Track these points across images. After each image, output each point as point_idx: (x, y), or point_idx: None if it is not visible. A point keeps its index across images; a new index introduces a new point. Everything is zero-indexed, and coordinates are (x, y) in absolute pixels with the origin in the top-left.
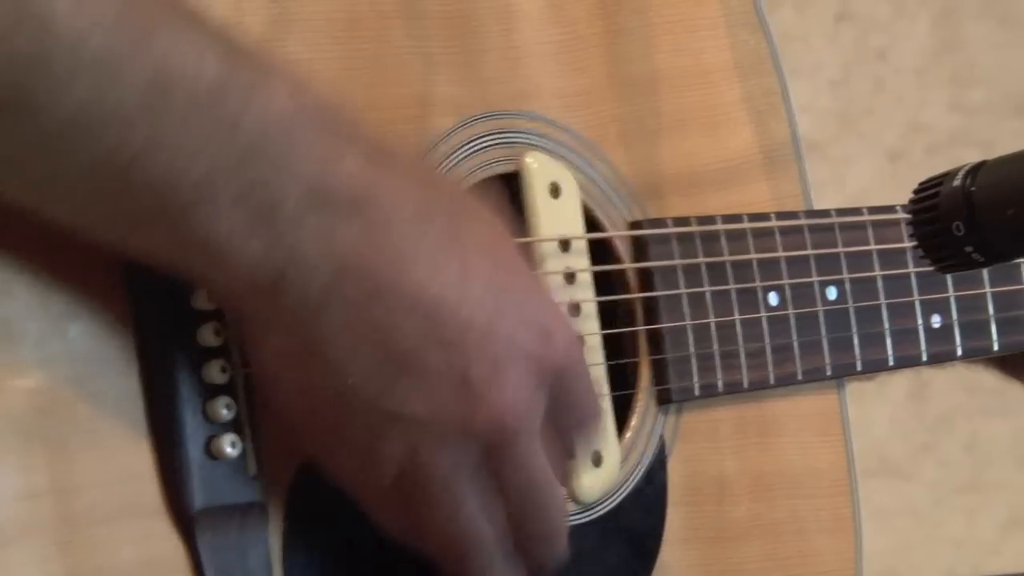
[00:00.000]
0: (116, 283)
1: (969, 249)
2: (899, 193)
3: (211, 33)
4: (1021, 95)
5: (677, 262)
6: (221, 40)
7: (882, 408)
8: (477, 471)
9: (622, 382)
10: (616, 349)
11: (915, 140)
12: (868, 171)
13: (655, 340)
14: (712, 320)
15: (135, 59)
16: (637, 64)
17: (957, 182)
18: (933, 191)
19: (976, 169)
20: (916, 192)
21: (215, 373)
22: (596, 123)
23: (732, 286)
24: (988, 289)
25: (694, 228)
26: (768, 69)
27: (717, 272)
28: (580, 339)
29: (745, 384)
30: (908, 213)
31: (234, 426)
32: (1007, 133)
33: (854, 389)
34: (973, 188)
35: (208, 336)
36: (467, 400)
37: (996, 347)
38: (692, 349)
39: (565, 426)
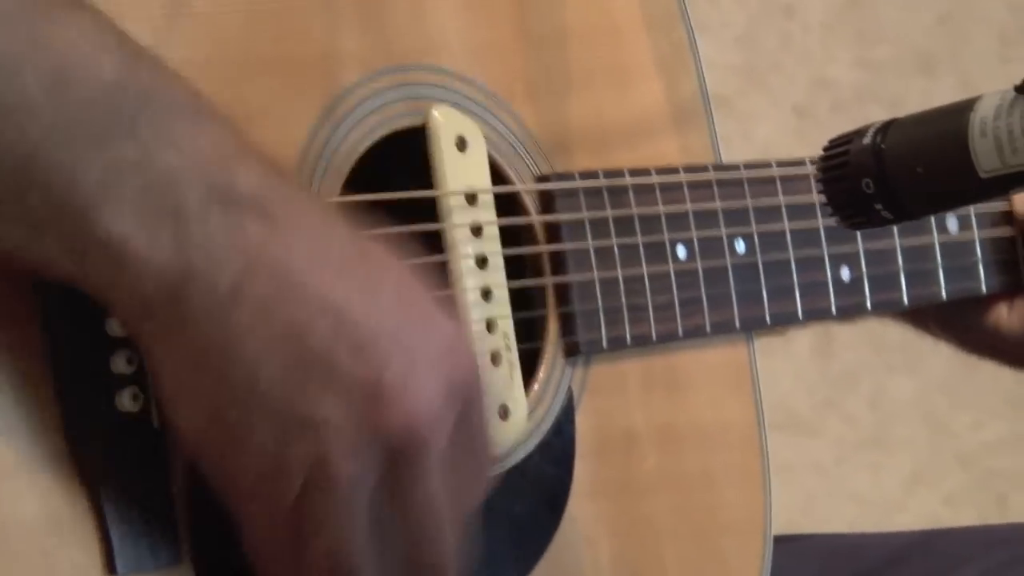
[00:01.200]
0: (28, 302)
1: (879, 206)
2: (805, 148)
3: (110, 33)
4: (927, 52)
5: (584, 215)
6: (119, 42)
7: (787, 363)
8: (379, 488)
9: (530, 335)
10: (524, 302)
11: (821, 96)
12: (774, 126)
13: (563, 293)
14: (620, 273)
15: (34, 54)
16: (545, 18)
17: (867, 140)
18: (843, 148)
19: (886, 127)
20: (825, 149)
21: (116, 327)
22: (503, 77)
23: (640, 239)
24: (897, 243)
25: (601, 182)
26: (676, 24)
27: (625, 226)
28: (479, 368)
29: (653, 337)
30: (817, 170)
31: (135, 379)
32: (913, 90)
33: (760, 344)
34: (883, 146)
35: (121, 364)
36: (379, 404)
37: (906, 301)
38: (600, 302)
39: (462, 457)
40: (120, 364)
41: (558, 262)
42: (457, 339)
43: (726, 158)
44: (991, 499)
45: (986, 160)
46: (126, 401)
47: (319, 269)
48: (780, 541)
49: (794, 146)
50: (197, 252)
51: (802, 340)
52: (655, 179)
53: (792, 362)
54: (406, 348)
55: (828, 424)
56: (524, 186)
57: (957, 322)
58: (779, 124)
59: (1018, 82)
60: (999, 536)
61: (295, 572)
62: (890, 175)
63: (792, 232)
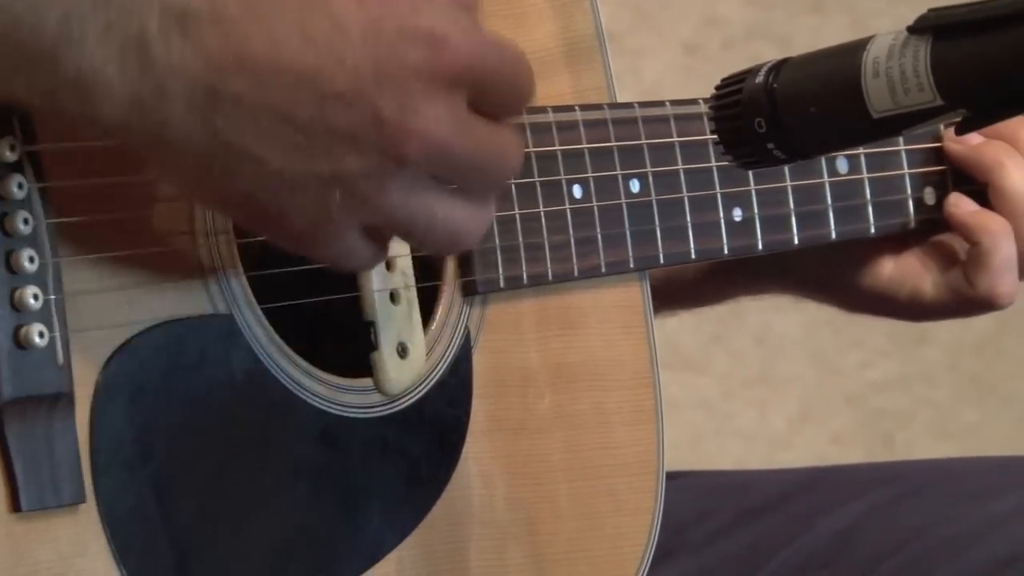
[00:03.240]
0: None
1: (771, 146)
2: (696, 86)
3: None
4: None
5: None
6: None
7: None
8: (432, 187)
9: (428, 274)
10: None
11: (711, 33)
12: (664, 64)
13: None
14: (516, 212)
15: None
16: None
17: (760, 79)
18: (735, 87)
19: (779, 66)
20: (718, 88)
21: (24, 263)
22: None
23: (536, 179)
24: (788, 183)
25: None
26: None
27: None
28: (482, 29)
29: (550, 277)
30: (710, 109)
31: (42, 316)
32: (803, 28)
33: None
34: (776, 85)
35: (19, 227)
36: (392, 137)
37: (796, 241)
38: (497, 241)
39: (502, 104)
40: (28, 300)
41: None
42: (439, 24)
43: (617, 97)
44: (878, 438)
45: (878, 101)
46: (33, 336)
47: (282, 45)
48: (667, 478)
49: (684, 83)
50: (166, 75)
51: None
52: (551, 117)
53: None
54: (390, 74)
55: (715, 361)
56: None
57: (838, 278)
58: (669, 61)
59: (911, 23)
60: (885, 473)
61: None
62: (782, 115)
63: (685, 172)
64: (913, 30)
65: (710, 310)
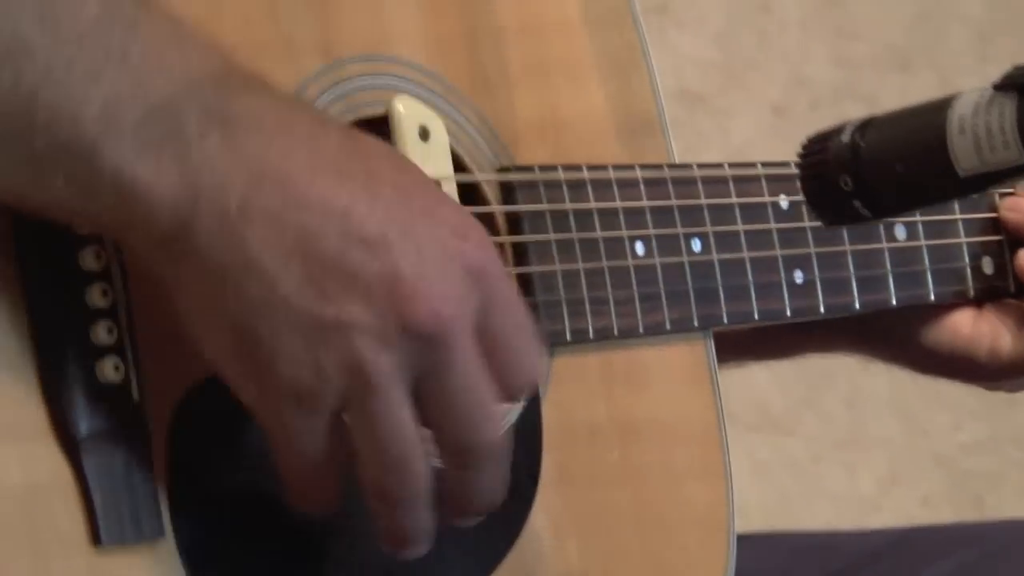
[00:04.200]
0: (7, 246)
1: (857, 204)
2: (783, 146)
3: None
4: (903, 48)
5: (545, 207)
6: None
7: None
8: (418, 380)
9: None
10: None
11: (799, 94)
12: (752, 124)
13: (525, 284)
14: (581, 266)
15: None
16: (499, 12)
17: (846, 137)
18: (822, 145)
19: (865, 124)
20: (804, 147)
21: (98, 297)
22: (461, 70)
23: (599, 234)
24: (848, 248)
25: (560, 175)
26: (628, 24)
27: (584, 219)
28: (494, 244)
29: (615, 331)
30: (797, 167)
31: (117, 351)
32: (890, 87)
33: None
34: (861, 143)
35: (90, 261)
36: (401, 296)
37: (857, 305)
38: (562, 294)
39: (497, 333)
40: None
41: (520, 253)
42: (463, 222)
43: (703, 156)
44: (968, 500)
45: (964, 158)
46: (108, 371)
47: (319, 173)
48: (753, 538)
49: (772, 144)
50: (202, 174)
51: None
52: (612, 175)
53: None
54: (416, 238)
55: (804, 422)
56: (485, 175)
57: (913, 339)
58: (757, 122)
59: (996, 80)
60: (974, 533)
61: (334, 482)
62: (868, 173)
63: (746, 233)
64: (999, 88)
65: (798, 373)
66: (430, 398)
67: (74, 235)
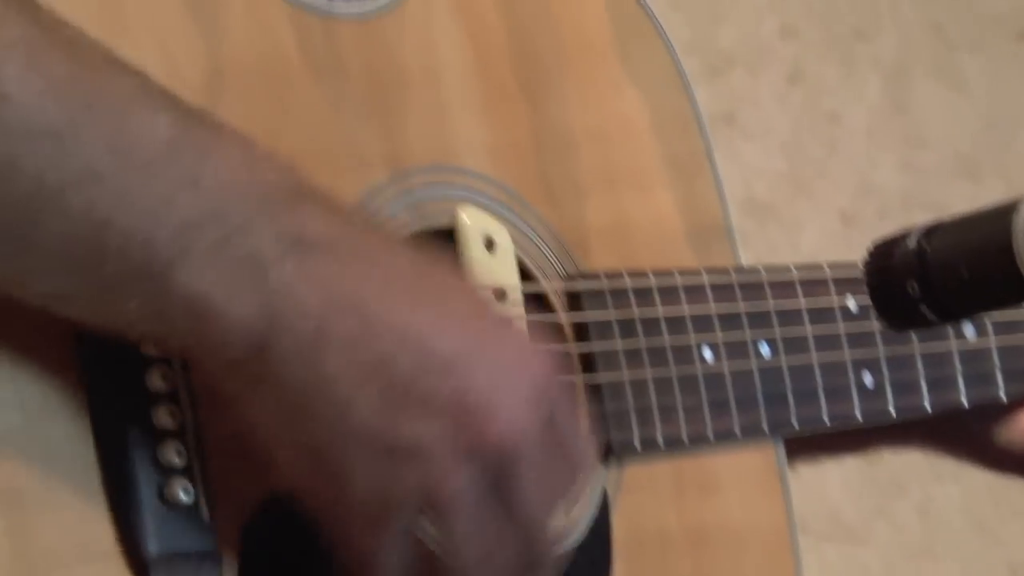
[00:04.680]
0: (65, 342)
1: (923, 308)
2: (852, 255)
3: (160, 93)
4: (971, 157)
5: (612, 315)
6: (169, 100)
7: (835, 470)
8: (484, 500)
9: None
10: None
11: (867, 202)
12: (821, 234)
13: (594, 393)
14: (649, 374)
15: (92, 121)
16: (564, 120)
17: (912, 243)
18: (888, 251)
19: (931, 230)
20: (871, 252)
21: (164, 418)
22: (526, 178)
23: (667, 341)
24: (917, 349)
25: (627, 282)
26: (694, 130)
27: (652, 326)
28: (558, 372)
29: (685, 440)
30: (863, 273)
31: (186, 472)
32: (958, 195)
33: None
34: (927, 249)
35: (157, 382)
36: (470, 423)
37: (928, 407)
38: (631, 402)
39: (557, 457)
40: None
41: (588, 362)
42: (530, 347)
43: (743, 261)
44: None
45: None
46: (177, 493)
47: (393, 298)
48: None
49: (841, 252)
50: (278, 300)
51: None
52: (679, 280)
53: (840, 469)
54: (484, 360)
55: (876, 532)
56: (552, 284)
57: (983, 439)
58: (825, 231)
59: None
60: None
61: None
62: (935, 278)
63: (814, 336)
64: None
65: (870, 482)
66: (498, 508)
67: (140, 354)
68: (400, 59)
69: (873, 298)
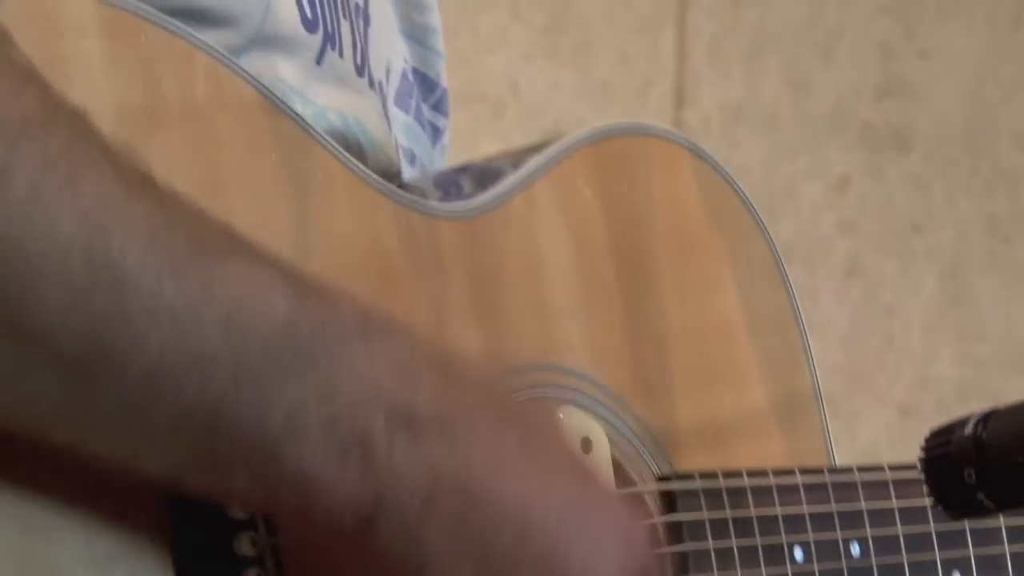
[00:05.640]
0: (161, 522)
1: (981, 496)
2: (910, 448)
3: (275, 268)
4: None
5: (705, 516)
6: (285, 275)
7: None
8: None
9: None
10: None
11: (925, 395)
12: (879, 426)
13: None
14: (739, 574)
15: (209, 301)
16: (661, 320)
17: (968, 430)
18: (945, 438)
19: (987, 417)
20: (927, 440)
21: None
22: (623, 377)
23: (759, 541)
24: (1007, 548)
25: (721, 482)
26: (790, 325)
27: (744, 527)
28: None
29: None
30: (920, 461)
31: None
32: (1016, 387)
33: None
34: (984, 436)
35: (246, 547)
36: None
37: None
38: None
39: None
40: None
41: (681, 563)
42: (631, 525)
43: (835, 458)
44: None
45: None
46: None
47: (499, 477)
48: None
49: (899, 445)
50: (386, 479)
51: None
52: (772, 480)
53: None
54: (586, 539)
55: None
56: (646, 487)
57: None
58: (884, 423)
59: None
60: None
61: None
62: (991, 465)
63: (905, 536)
64: None
65: None
66: None
67: (229, 520)
68: (504, 258)
69: (930, 486)
